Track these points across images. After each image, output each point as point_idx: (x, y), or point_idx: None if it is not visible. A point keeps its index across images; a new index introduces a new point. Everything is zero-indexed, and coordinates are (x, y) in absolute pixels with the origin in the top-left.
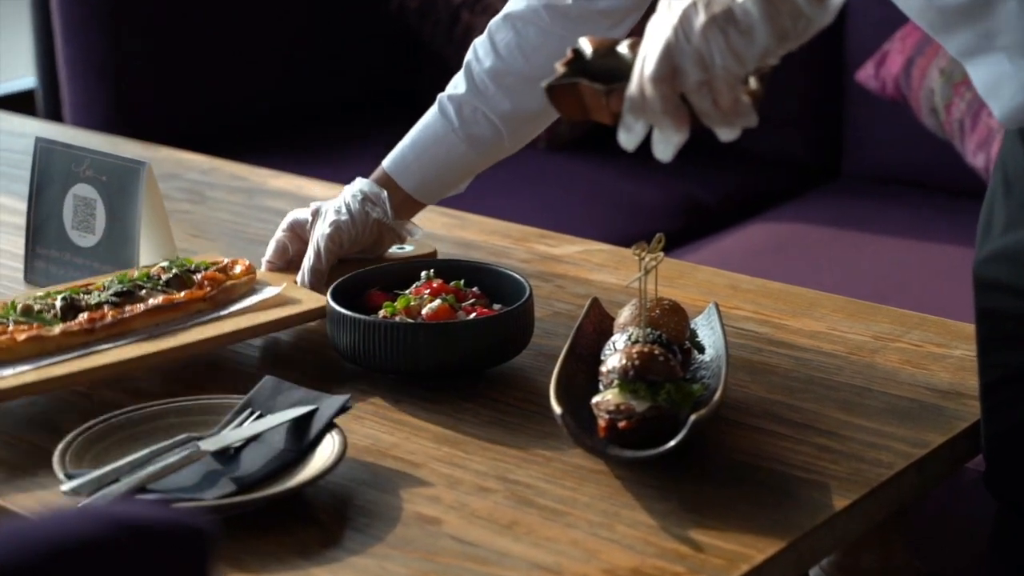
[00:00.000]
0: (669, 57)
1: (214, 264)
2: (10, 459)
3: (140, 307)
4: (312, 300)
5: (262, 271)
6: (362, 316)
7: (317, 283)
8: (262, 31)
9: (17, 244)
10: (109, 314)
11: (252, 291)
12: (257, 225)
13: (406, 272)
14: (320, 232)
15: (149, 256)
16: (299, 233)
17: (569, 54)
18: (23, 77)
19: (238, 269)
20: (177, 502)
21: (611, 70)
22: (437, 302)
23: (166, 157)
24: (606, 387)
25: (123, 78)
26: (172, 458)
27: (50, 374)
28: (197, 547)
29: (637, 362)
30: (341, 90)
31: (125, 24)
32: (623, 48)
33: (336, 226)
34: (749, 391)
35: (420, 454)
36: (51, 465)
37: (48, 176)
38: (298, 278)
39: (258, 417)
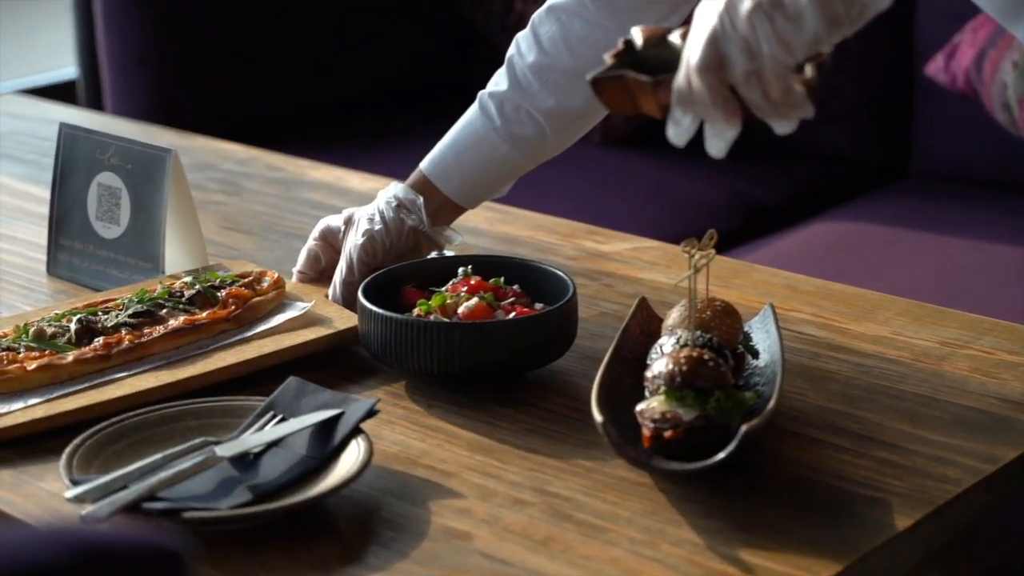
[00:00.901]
0: (715, 45)
1: (242, 278)
2: (17, 460)
3: (159, 330)
4: (343, 319)
5: (292, 281)
6: (394, 314)
7: (350, 297)
8: (307, 18)
9: (44, 235)
10: (126, 338)
11: (280, 307)
12: (292, 218)
13: (443, 268)
14: (352, 243)
15: (175, 250)
16: (331, 242)
17: (619, 45)
18: (64, 67)
19: (266, 282)
20: (187, 511)
21: (663, 61)
22: (474, 300)
23: (202, 146)
24: (652, 394)
25: (164, 67)
26: (185, 464)
27: (60, 408)
28: (170, 572)
29: (685, 367)
30: (387, 80)
31: (167, 13)
32: (675, 38)
33: (369, 236)
34: (806, 399)
35: (452, 463)
36: (60, 469)
37: (72, 163)
38: (329, 292)
39: (280, 421)
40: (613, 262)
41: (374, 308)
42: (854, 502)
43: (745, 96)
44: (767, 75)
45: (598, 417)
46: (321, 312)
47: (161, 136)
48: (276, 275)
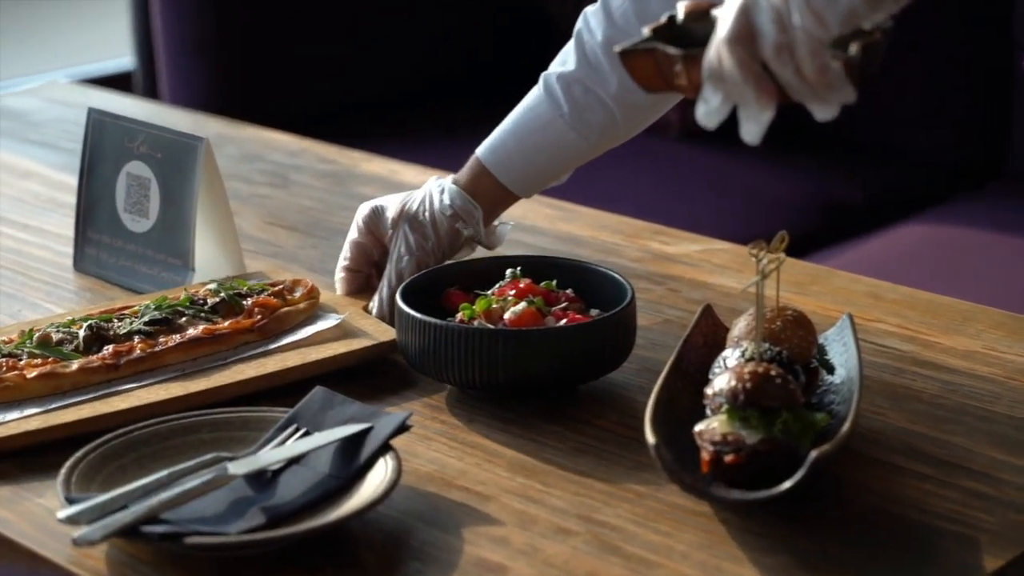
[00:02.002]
0: (745, 15)
1: (272, 287)
2: (18, 475)
3: (175, 339)
4: (379, 332)
5: (337, 284)
6: (433, 319)
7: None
8: (368, 5)
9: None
10: (138, 347)
11: (311, 319)
12: (341, 214)
13: (490, 269)
14: (403, 257)
15: (207, 246)
16: (378, 236)
17: (663, 19)
18: (121, 57)
19: (299, 292)
20: (190, 536)
21: (707, 36)
22: (522, 305)
23: (251, 136)
24: (712, 413)
25: (222, 56)
26: (193, 482)
27: (58, 420)
28: None
29: (749, 384)
30: (453, 69)
31: (224, 1)
32: (718, 11)
33: (421, 250)
34: (887, 420)
35: (491, 485)
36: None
37: (100, 152)
38: (374, 306)
39: (304, 435)
40: (680, 265)
41: (412, 312)
42: (937, 538)
43: (777, 72)
44: (799, 50)
45: (651, 438)
46: (356, 324)
47: (208, 125)
48: (310, 284)
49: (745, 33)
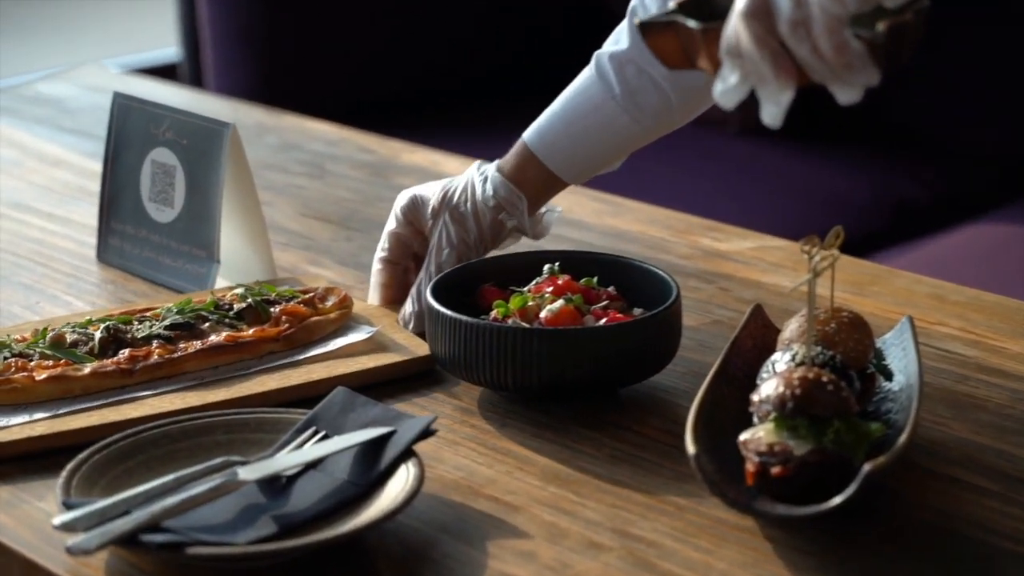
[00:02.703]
0: None
1: (303, 294)
2: (19, 477)
3: (196, 345)
4: (415, 346)
5: (366, 303)
6: (464, 317)
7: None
8: None
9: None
10: (156, 352)
11: (342, 330)
12: (379, 205)
13: (527, 265)
14: (443, 253)
15: (232, 238)
16: (418, 227)
17: None
18: (166, 47)
19: (331, 301)
20: (193, 546)
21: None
22: (559, 303)
23: (290, 125)
24: (760, 421)
25: (267, 47)
26: (199, 488)
27: (65, 426)
28: None
29: (798, 391)
30: (506, 59)
31: None
32: None
33: (464, 244)
34: (948, 431)
35: (521, 494)
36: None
37: (125, 138)
38: (410, 303)
39: (323, 438)
40: (732, 262)
41: (442, 310)
42: (1001, 561)
43: (794, 50)
44: (815, 27)
45: (691, 447)
46: (389, 336)
47: (248, 113)
48: (343, 293)
49: (761, 7)
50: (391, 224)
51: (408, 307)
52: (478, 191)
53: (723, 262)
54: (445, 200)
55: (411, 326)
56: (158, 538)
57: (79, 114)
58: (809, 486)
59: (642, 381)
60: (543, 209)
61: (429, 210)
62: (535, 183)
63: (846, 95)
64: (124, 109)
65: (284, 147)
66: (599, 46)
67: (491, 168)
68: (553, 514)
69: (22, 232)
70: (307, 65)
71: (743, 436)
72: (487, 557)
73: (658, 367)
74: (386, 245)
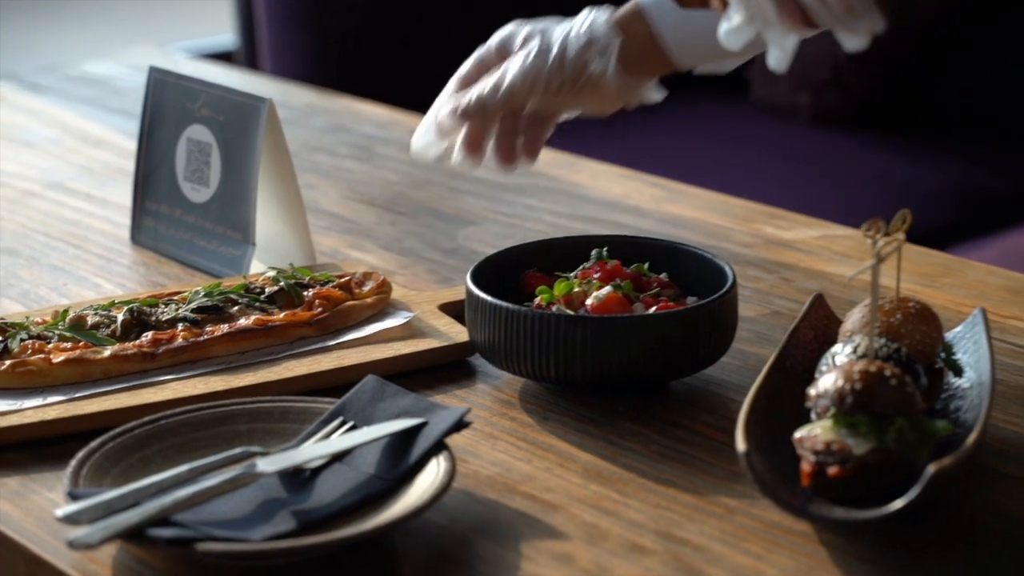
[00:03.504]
0: None
1: (339, 278)
2: (29, 465)
3: (223, 328)
4: (455, 332)
5: (406, 290)
6: (504, 303)
7: (475, 117)
8: None
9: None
10: (180, 335)
11: (378, 316)
12: (426, 189)
13: (574, 250)
14: (515, 63)
15: (268, 220)
16: (503, 56)
17: None
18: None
19: (369, 285)
20: (202, 541)
21: None
22: (607, 289)
23: (341, 107)
24: (818, 417)
25: (323, 30)
26: (213, 480)
27: (79, 411)
28: None
29: (859, 385)
30: None
31: None
32: None
33: (537, 65)
34: (1021, 431)
35: (561, 492)
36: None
37: (160, 115)
38: (440, 100)
39: (351, 429)
40: (795, 252)
41: (481, 295)
42: None
43: None
44: None
45: (741, 445)
46: (428, 322)
47: (296, 95)
48: (382, 278)
49: None
50: (480, 49)
51: (445, 104)
52: (575, 27)
53: (786, 251)
54: (541, 29)
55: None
56: (167, 532)
57: (126, 94)
58: (869, 488)
59: (694, 374)
60: (644, 84)
61: (521, 37)
62: (637, 39)
63: (851, 42)
64: (160, 84)
65: (332, 129)
66: None
67: (599, 10)
68: (593, 514)
69: (57, 213)
70: (363, 49)
71: (799, 433)
72: (520, 559)
73: (711, 359)
74: (469, 62)
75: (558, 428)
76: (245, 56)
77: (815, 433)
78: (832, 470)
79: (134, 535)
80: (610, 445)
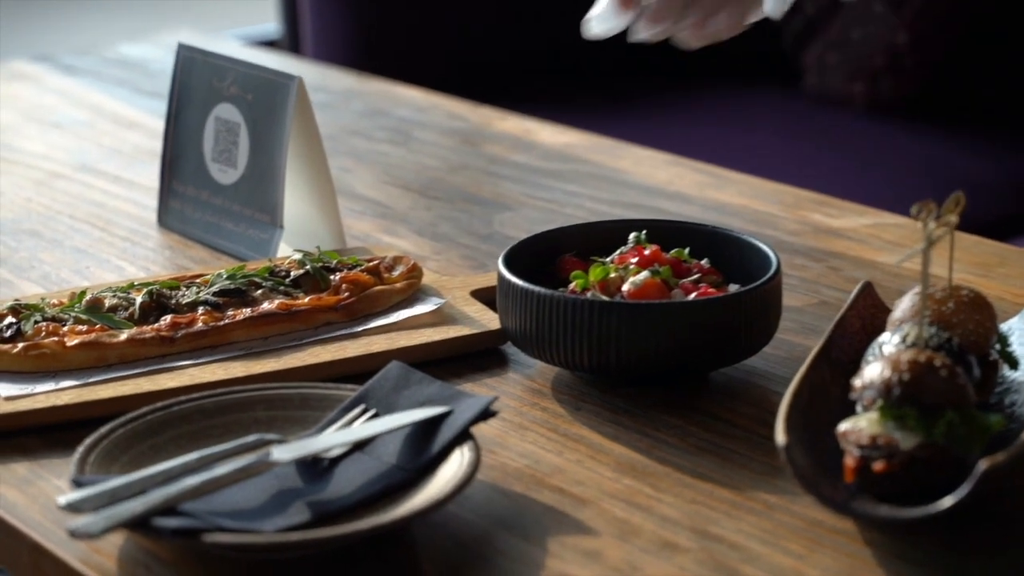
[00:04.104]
0: None
1: (368, 262)
2: (40, 450)
3: (245, 313)
4: (487, 320)
5: (438, 276)
6: (536, 287)
7: (653, 22)
8: None
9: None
10: (200, 319)
11: (408, 302)
12: (465, 173)
13: (612, 234)
14: None
15: (297, 203)
16: None
17: None
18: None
19: (398, 270)
20: (210, 532)
21: None
22: (644, 275)
23: (378, 90)
24: (864, 409)
25: (366, 16)
26: (224, 468)
27: (93, 396)
28: None
29: (907, 376)
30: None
31: None
32: None
33: None
34: None
35: (592, 486)
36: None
37: (188, 94)
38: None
39: (373, 417)
40: (844, 240)
41: (512, 278)
42: None
43: None
44: None
45: (781, 438)
46: (459, 309)
47: (336, 79)
48: (412, 262)
49: None
50: None
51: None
52: None
53: (835, 239)
54: None
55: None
56: (172, 523)
57: (160, 76)
58: (916, 484)
59: (735, 364)
60: None
61: None
62: None
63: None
64: (188, 62)
65: (370, 113)
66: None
67: None
68: (625, 509)
69: (83, 195)
70: (406, 35)
71: (843, 426)
72: (546, 555)
73: (753, 350)
74: None
75: (591, 419)
76: (289, 44)
77: (860, 426)
78: (877, 465)
79: (139, 525)
80: (644, 437)
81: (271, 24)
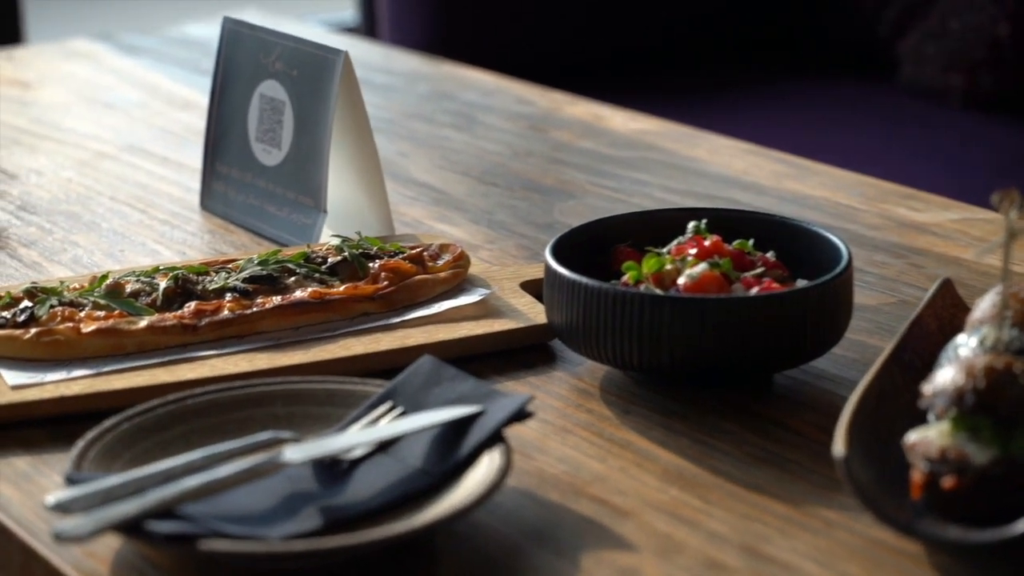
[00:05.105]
0: None
1: (412, 249)
2: (45, 444)
3: (275, 301)
4: (535, 313)
5: (488, 265)
6: (584, 279)
7: None
8: None
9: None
10: (227, 307)
11: (452, 293)
12: (528, 160)
13: (671, 222)
14: None
15: (342, 187)
16: None
17: None
18: (343, 11)
19: (444, 259)
20: (206, 538)
21: None
22: (702, 267)
23: (446, 74)
24: (936, 419)
25: (443, 3)
26: (229, 469)
27: (106, 386)
28: None
29: (982, 383)
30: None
31: None
32: None
33: None
34: None
35: (634, 496)
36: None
37: (234, 70)
38: None
39: (400, 415)
40: (928, 235)
41: (559, 269)
42: None
43: None
44: None
45: (840, 448)
46: (506, 300)
47: (402, 61)
48: (459, 250)
49: None
50: None
51: None
52: None
53: (918, 235)
54: None
55: None
56: (167, 527)
57: None
58: (990, 504)
59: (799, 366)
60: None
61: None
62: None
63: None
64: (234, 35)
65: (435, 96)
66: (791, 22)
67: None
68: (669, 523)
69: (127, 176)
70: (483, 19)
71: (911, 437)
72: (578, 571)
73: (819, 351)
74: None
75: (639, 423)
76: (365, 30)
77: (929, 438)
78: (947, 482)
79: (130, 528)
80: (696, 444)
81: (348, 11)
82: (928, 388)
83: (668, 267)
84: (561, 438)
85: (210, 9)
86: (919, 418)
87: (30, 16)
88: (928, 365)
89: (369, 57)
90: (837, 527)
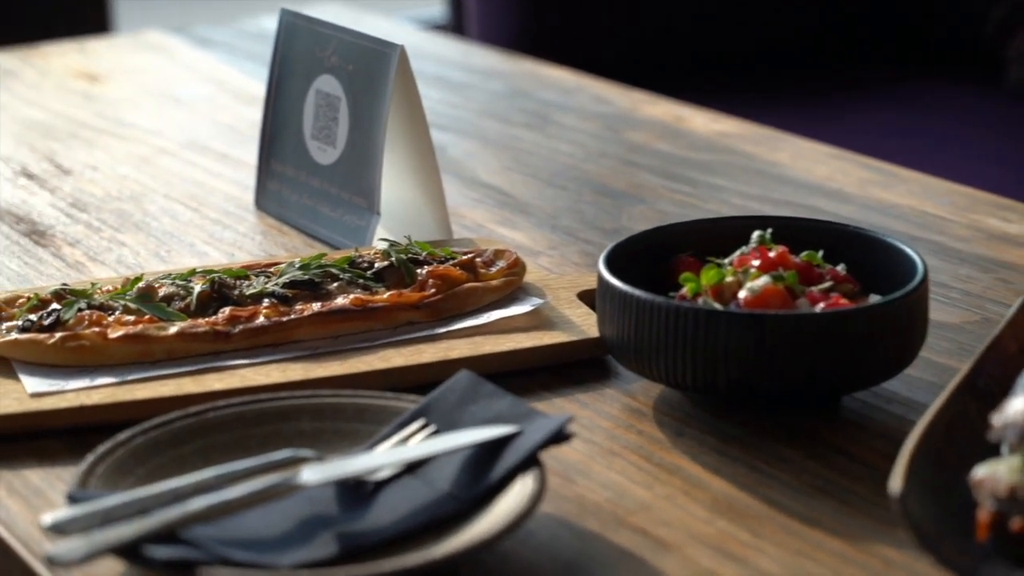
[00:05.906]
0: None
1: (466, 255)
2: (60, 455)
3: (315, 307)
4: (589, 326)
5: (545, 273)
6: (637, 291)
7: None
8: None
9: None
10: (263, 313)
11: (504, 302)
12: (601, 162)
13: (738, 231)
14: None
15: (398, 188)
16: None
17: None
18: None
19: (498, 266)
20: (214, 564)
21: None
22: (764, 280)
23: (524, 71)
24: (1009, 451)
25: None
26: (236, 491)
27: (128, 396)
28: None
29: None
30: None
31: None
32: None
33: None
34: None
35: (679, 528)
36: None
37: (290, 64)
38: None
39: (433, 434)
40: (1020, 249)
41: (612, 280)
42: None
43: None
44: None
45: (897, 483)
46: (560, 311)
47: (480, 56)
48: (514, 257)
49: None
50: None
51: None
52: None
53: (1010, 248)
54: None
55: None
56: (166, 552)
57: None
58: None
59: (869, 388)
60: None
61: None
62: None
63: None
64: (291, 28)
65: (510, 94)
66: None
67: None
68: (715, 558)
69: (183, 172)
70: (572, 17)
71: (978, 473)
72: None
73: (891, 372)
74: None
75: (692, 447)
76: (454, 27)
77: (998, 474)
78: (1016, 523)
79: (127, 552)
80: (752, 472)
81: (437, 8)
82: (998, 419)
83: (729, 279)
84: (607, 461)
85: (301, 1)
86: (992, 451)
87: (120, 7)
88: (1005, 391)
89: (448, 53)
90: (897, 567)
